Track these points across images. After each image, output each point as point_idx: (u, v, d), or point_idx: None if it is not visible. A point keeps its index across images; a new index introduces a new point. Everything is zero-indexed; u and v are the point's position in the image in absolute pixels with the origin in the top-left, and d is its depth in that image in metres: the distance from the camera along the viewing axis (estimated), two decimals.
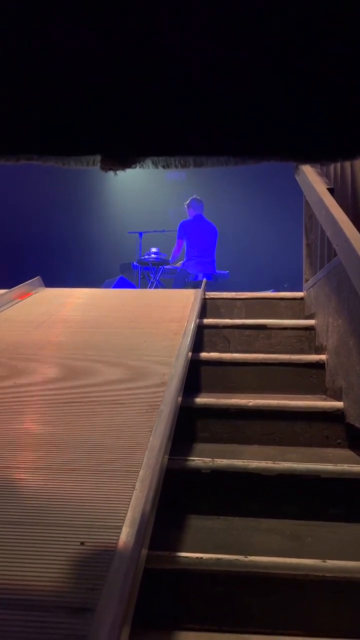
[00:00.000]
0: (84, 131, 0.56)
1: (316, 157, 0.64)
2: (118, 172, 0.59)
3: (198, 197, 5.52)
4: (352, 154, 0.62)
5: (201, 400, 1.87)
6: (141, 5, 0.50)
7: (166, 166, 0.59)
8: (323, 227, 2.07)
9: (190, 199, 5.52)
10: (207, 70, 0.53)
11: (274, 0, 0.51)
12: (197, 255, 5.31)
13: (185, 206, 5.54)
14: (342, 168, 2.14)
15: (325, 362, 2.12)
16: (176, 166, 0.59)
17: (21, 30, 0.52)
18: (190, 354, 1.98)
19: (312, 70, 0.53)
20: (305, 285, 2.71)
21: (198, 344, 2.37)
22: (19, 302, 2.73)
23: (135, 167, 0.59)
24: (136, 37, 0.52)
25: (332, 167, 2.28)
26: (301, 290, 2.77)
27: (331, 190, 2.12)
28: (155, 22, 0.51)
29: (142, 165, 0.58)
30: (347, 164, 2.03)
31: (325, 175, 2.32)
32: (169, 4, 0.51)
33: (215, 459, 1.50)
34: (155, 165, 0.59)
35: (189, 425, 1.82)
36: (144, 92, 0.54)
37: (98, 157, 0.58)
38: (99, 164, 0.58)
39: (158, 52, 0.52)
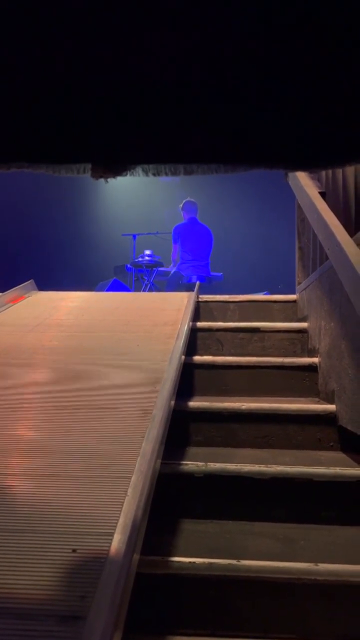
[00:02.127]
0: (75, 139, 0.56)
1: (306, 165, 0.64)
2: (109, 179, 0.60)
3: (192, 200, 5.53)
4: (341, 162, 0.63)
5: (194, 403, 1.88)
6: (130, 13, 0.50)
7: (156, 174, 0.59)
8: (315, 230, 2.08)
9: (183, 201, 5.55)
10: (198, 80, 0.53)
11: (263, 11, 0.51)
12: (191, 259, 5.33)
13: (179, 209, 5.56)
14: (334, 172, 2.15)
15: (318, 365, 2.13)
16: (166, 174, 0.59)
17: (14, 39, 0.52)
18: (183, 357, 1.98)
19: (302, 79, 0.53)
20: (297, 288, 2.72)
21: (191, 347, 2.38)
22: (12, 306, 2.72)
23: (126, 175, 0.59)
24: (129, 46, 0.52)
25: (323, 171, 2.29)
26: (294, 292, 2.78)
27: (323, 194, 2.13)
28: (145, 30, 0.51)
29: (132, 173, 0.59)
30: None
31: (317, 179, 2.34)
32: (159, 11, 0.51)
33: (209, 463, 1.50)
34: (146, 173, 0.59)
35: (182, 428, 1.82)
36: (134, 100, 0.54)
37: (89, 165, 0.58)
38: (89, 172, 0.58)
39: (149, 60, 0.53)
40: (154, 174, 0.59)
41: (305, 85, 0.53)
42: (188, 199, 5.54)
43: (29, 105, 0.55)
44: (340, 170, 2.04)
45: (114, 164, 0.58)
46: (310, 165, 0.65)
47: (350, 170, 1.93)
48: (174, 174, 0.59)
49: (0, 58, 0.52)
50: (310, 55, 0.52)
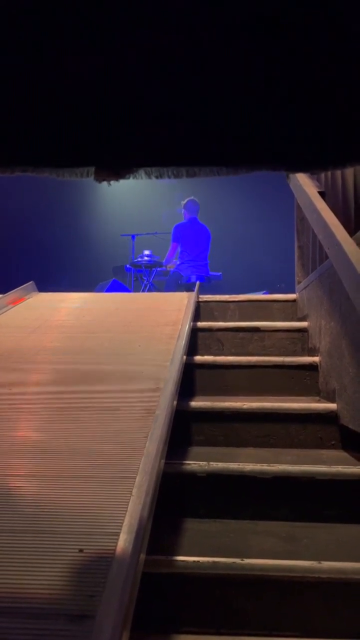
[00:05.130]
0: (79, 143, 0.57)
1: (307, 167, 0.65)
2: (112, 182, 0.60)
3: (195, 199, 5.50)
4: (342, 164, 0.63)
5: (196, 403, 1.88)
6: (137, 25, 0.51)
7: (159, 176, 0.60)
8: (314, 230, 2.09)
9: (187, 199, 5.49)
10: (200, 83, 0.54)
11: (264, 15, 0.52)
12: (190, 259, 5.32)
13: (182, 207, 5.53)
14: (333, 172, 2.16)
15: (319, 364, 2.14)
16: (169, 176, 0.60)
17: (18, 45, 0.52)
18: (184, 357, 1.99)
19: (304, 81, 0.54)
20: (297, 287, 2.73)
21: (192, 347, 2.38)
22: (13, 307, 2.72)
23: (129, 178, 0.59)
24: (133, 51, 0.52)
25: None
26: (294, 291, 2.78)
27: (322, 194, 2.14)
28: (148, 39, 0.52)
29: (135, 175, 0.59)
30: None
31: (316, 178, 2.34)
32: (167, 18, 0.51)
33: (211, 462, 1.51)
34: (149, 175, 0.59)
35: (184, 428, 1.82)
36: (136, 104, 0.55)
37: (92, 169, 0.58)
38: (92, 175, 0.59)
39: (150, 64, 0.53)
40: (156, 177, 0.60)
41: (306, 87, 0.54)
42: (191, 197, 5.49)
43: (31, 110, 0.55)
44: (340, 171, 2.05)
45: (117, 167, 0.58)
46: (311, 166, 0.66)
47: (349, 169, 1.94)
48: (177, 176, 0.60)
49: (3, 62, 0.53)
50: (311, 56, 0.53)
